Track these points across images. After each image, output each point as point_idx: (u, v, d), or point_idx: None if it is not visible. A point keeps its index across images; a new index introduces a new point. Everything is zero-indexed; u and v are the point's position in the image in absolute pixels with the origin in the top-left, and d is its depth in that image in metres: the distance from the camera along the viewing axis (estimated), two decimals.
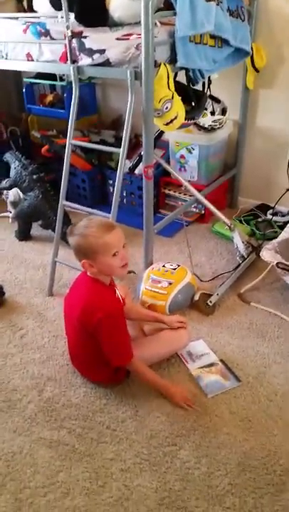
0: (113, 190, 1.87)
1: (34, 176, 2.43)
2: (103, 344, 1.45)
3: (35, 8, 2.25)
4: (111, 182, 2.81)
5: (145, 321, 1.75)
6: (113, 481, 1.29)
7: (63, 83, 2.77)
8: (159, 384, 1.53)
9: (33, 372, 1.66)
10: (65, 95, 2.76)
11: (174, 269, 1.98)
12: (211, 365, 1.65)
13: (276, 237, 2.11)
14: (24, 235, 2.57)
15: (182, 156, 2.60)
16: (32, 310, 1.99)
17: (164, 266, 2.00)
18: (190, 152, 2.54)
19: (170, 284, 1.91)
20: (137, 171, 2.65)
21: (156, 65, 1.65)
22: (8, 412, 1.50)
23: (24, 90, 2.96)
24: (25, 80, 2.93)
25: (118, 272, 1.48)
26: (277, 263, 1.84)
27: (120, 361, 1.50)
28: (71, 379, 1.62)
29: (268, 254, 1.91)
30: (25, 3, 2.43)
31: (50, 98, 2.95)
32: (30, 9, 2.33)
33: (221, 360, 1.67)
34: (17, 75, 3.18)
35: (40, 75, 2.81)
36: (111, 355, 1.48)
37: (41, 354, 1.74)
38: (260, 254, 1.95)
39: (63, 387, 1.59)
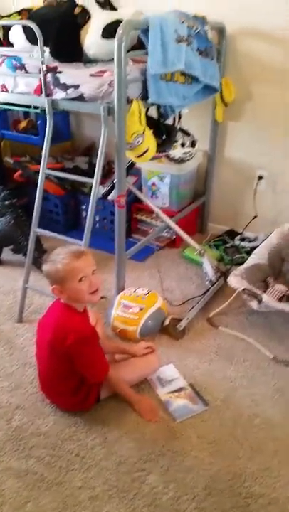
0: (86, 215, 1.91)
1: (6, 202, 2.45)
2: (78, 365, 1.48)
3: (11, 40, 2.31)
4: (84, 207, 2.85)
5: (114, 353, 1.78)
6: (82, 509, 1.29)
7: (37, 110, 2.81)
8: (131, 397, 1.60)
9: (1, 401, 1.64)
10: (38, 122, 2.81)
11: (146, 294, 2.02)
12: (180, 389, 1.68)
13: (243, 263, 2.20)
14: None
15: (154, 184, 2.68)
16: (1, 337, 1.98)
17: (135, 291, 2.04)
18: (161, 180, 2.63)
19: (141, 309, 1.95)
20: (110, 197, 2.70)
21: (129, 101, 1.73)
22: None
23: None
24: None
25: (87, 299, 1.51)
26: (243, 289, 1.91)
27: (98, 378, 1.55)
28: (40, 407, 1.62)
29: (235, 280, 1.98)
30: (0, 35, 2.49)
31: (23, 124, 2.99)
32: (7, 41, 2.39)
33: (190, 385, 1.71)
34: None
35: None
36: (88, 374, 1.52)
37: (10, 382, 1.73)
38: (228, 280, 2.03)
39: (32, 416, 1.59)
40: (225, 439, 1.50)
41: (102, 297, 2.14)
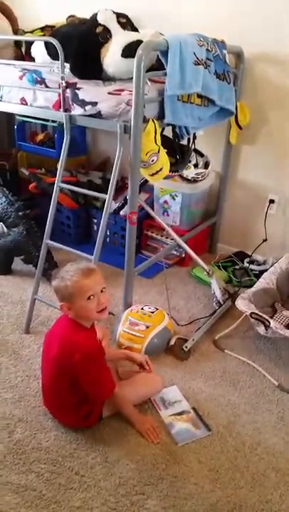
0: (97, 229, 1.93)
1: (20, 213, 2.47)
2: (84, 383, 1.47)
3: (32, 54, 2.36)
4: (96, 221, 2.88)
5: (116, 359, 1.78)
6: None
7: (55, 124, 2.87)
8: (132, 416, 1.59)
9: (4, 412, 1.64)
10: (55, 135, 2.86)
11: (152, 312, 2.02)
12: (183, 412, 1.66)
13: (252, 285, 2.19)
14: (5, 268, 2.58)
15: (166, 202, 2.69)
16: (7, 347, 1.98)
17: (142, 308, 2.04)
18: (173, 199, 2.64)
19: (147, 327, 1.94)
20: (122, 213, 2.73)
21: (145, 120, 1.75)
22: None
23: (16, 127, 3.05)
24: (17, 117, 3.02)
25: (95, 316, 1.51)
26: (251, 313, 1.90)
27: (102, 396, 1.54)
28: (42, 421, 1.61)
29: (243, 303, 1.97)
30: (23, 49, 2.55)
31: (41, 137, 3.04)
32: (28, 55, 2.45)
33: (193, 408, 1.69)
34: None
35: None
36: (93, 392, 1.51)
37: (13, 394, 1.73)
38: (235, 303, 2.02)
39: (34, 430, 1.58)
40: (226, 467, 1.47)
41: (109, 313, 2.14)
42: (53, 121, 2.87)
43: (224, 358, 1.98)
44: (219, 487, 1.41)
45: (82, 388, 1.49)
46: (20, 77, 2.04)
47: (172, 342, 1.98)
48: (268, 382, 1.85)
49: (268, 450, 1.54)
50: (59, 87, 1.89)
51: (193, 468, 1.46)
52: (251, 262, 2.67)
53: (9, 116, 3.32)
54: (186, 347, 1.96)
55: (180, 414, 1.65)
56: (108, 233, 2.82)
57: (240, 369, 1.92)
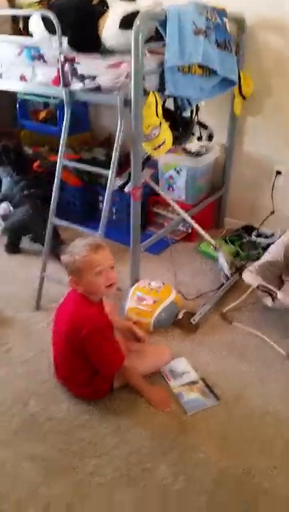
0: (103, 206, 1.93)
1: (25, 192, 2.48)
2: (92, 357, 1.51)
3: (30, 30, 2.31)
4: (101, 198, 2.87)
5: (122, 329, 1.81)
6: (92, 495, 1.32)
7: (56, 101, 2.83)
8: (143, 388, 1.62)
9: (18, 386, 1.69)
10: (58, 112, 2.83)
11: (159, 287, 2.04)
12: (192, 383, 1.69)
13: (259, 259, 2.19)
14: (13, 248, 2.61)
15: (171, 177, 2.67)
16: (18, 324, 2.02)
17: (149, 284, 2.06)
18: (178, 173, 2.62)
19: (155, 302, 1.96)
20: (126, 189, 2.71)
21: (145, 93, 1.73)
22: None
23: (18, 105, 3.02)
24: (19, 95, 2.99)
25: (103, 291, 1.53)
26: (258, 285, 1.90)
27: (111, 370, 1.57)
28: (55, 394, 1.66)
29: (250, 276, 1.98)
30: (21, 25, 2.49)
31: (43, 114, 3.01)
32: (26, 31, 2.40)
33: (202, 379, 1.72)
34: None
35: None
36: (101, 366, 1.54)
37: (26, 369, 1.77)
38: (242, 276, 2.02)
39: (47, 402, 1.62)
40: (235, 436, 1.51)
41: (116, 289, 2.16)
42: (55, 98, 2.83)
43: (232, 331, 2.00)
44: (228, 454, 1.44)
45: (91, 363, 1.52)
46: (19, 53, 2.01)
47: (180, 316, 2.00)
48: (276, 352, 1.87)
49: (276, 419, 1.57)
50: (57, 62, 1.86)
51: (203, 436, 1.50)
52: (259, 235, 2.65)
53: (11, 94, 3.28)
54: (194, 320, 1.98)
55: (189, 384, 1.69)
56: (114, 211, 2.81)
57: (248, 341, 1.94)
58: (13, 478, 1.36)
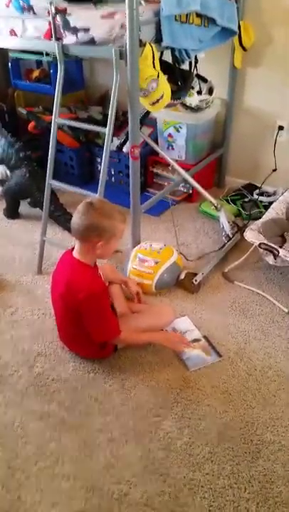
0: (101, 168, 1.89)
1: (21, 154, 2.42)
2: (86, 322, 1.50)
3: None
4: (99, 160, 2.81)
5: (118, 283, 1.85)
6: (100, 450, 1.36)
7: (49, 58, 2.72)
8: (156, 338, 1.66)
9: (23, 348, 1.71)
10: (51, 71, 2.72)
11: (161, 248, 2.02)
12: (194, 340, 1.71)
13: (261, 218, 2.16)
14: (12, 213, 2.58)
15: (170, 135, 2.60)
16: (21, 288, 2.03)
17: (151, 245, 2.04)
18: (178, 131, 2.55)
19: (156, 263, 1.96)
20: (124, 149, 2.65)
21: (141, 44, 1.64)
22: None
23: (10, 65, 2.90)
24: (11, 54, 2.87)
25: (109, 256, 1.57)
26: (259, 244, 1.89)
27: (104, 337, 1.56)
28: (60, 354, 1.69)
29: (252, 234, 1.96)
30: None
31: (36, 73, 2.90)
32: None
33: (204, 337, 1.74)
34: (2, 49, 3.10)
35: (26, 50, 2.76)
36: (94, 332, 1.53)
37: (31, 331, 1.79)
38: (244, 234, 2.00)
39: (53, 362, 1.65)
40: (238, 390, 1.54)
41: (117, 251, 2.15)
42: (47, 55, 2.72)
43: (234, 289, 2.00)
44: (232, 408, 1.48)
45: (85, 328, 1.51)
46: (7, 4, 1.90)
47: (182, 276, 2.00)
48: (278, 309, 1.88)
49: (278, 373, 1.60)
50: (48, 15, 1.77)
51: (206, 391, 1.53)
52: (261, 194, 2.61)
53: (3, 54, 3.15)
54: (196, 280, 1.98)
55: (192, 342, 1.70)
56: (113, 172, 2.76)
57: (249, 299, 1.95)
58: (22, 436, 1.41)
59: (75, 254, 1.51)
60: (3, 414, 1.47)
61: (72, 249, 1.54)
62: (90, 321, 1.50)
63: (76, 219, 1.44)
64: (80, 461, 1.33)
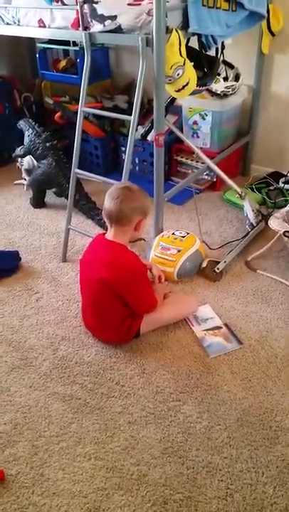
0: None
1: (47, 144, 2.46)
2: (131, 297, 1.59)
3: None
4: (123, 149, 2.82)
5: None
6: (121, 432, 1.39)
7: (76, 48, 2.75)
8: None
9: (48, 333, 1.76)
10: (78, 60, 2.75)
11: (183, 236, 2.03)
12: (215, 328, 1.72)
13: (286, 206, 2.13)
14: (39, 202, 2.63)
15: (195, 122, 2.58)
16: (47, 275, 2.08)
17: (173, 233, 2.05)
18: (203, 118, 2.53)
19: (179, 251, 1.96)
20: (149, 138, 2.65)
21: (168, 31, 1.64)
22: (24, 369, 1.62)
23: (38, 56, 2.94)
24: (38, 45, 2.91)
25: (140, 235, 1.74)
26: (284, 232, 1.87)
27: (147, 309, 1.67)
28: (83, 339, 1.73)
29: (276, 222, 1.94)
30: None
31: (63, 63, 2.93)
32: None
33: (225, 324, 1.74)
34: (30, 40, 3.16)
35: (53, 40, 2.79)
36: (140, 305, 1.64)
37: (56, 316, 1.84)
38: (268, 223, 1.98)
39: (76, 347, 1.69)
40: (258, 377, 1.54)
41: (140, 239, 2.17)
42: (74, 45, 2.74)
43: (256, 278, 1.99)
44: (251, 394, 1.48)
45: (128, 302, 1.60)
46: None
47: (204, 264, 2.00)
48: None
49: None
50: (76, 3, 1.78)
51: (226, 377, 1.54)
52: (287, 182, 2.57)
53: (30, 45, 3.20)
54: (218, 268, 1.98)
55: (212, 329, 1.72)
56: (137, 161, 2.77)
57: (272, 287, 1.93)
58: (46, 416, 1.45)
59: (111, 238, 1.59)
60: (28, 396, 1.52)
61: (103, 234, 1.63)
62: (136, 295, 1.61)
63: (115, 205, 1.53)
64: (101, 442, 1.37)
